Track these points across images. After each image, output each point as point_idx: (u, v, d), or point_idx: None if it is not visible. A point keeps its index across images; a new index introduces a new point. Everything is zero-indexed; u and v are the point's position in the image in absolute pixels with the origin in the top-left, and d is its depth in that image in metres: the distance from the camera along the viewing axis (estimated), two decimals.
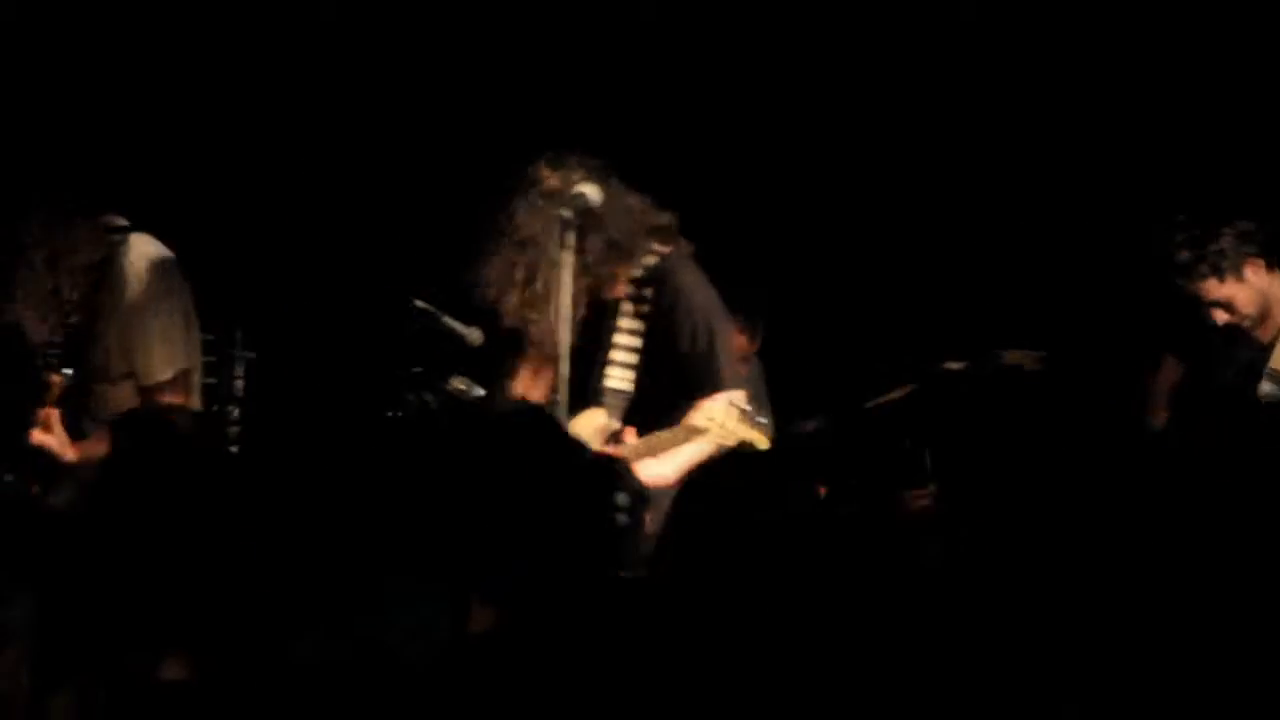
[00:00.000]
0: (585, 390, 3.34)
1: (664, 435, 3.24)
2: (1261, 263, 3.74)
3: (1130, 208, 4.45)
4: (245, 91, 4.61)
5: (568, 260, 3.19)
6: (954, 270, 4.67)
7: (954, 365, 3.95)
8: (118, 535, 2.35)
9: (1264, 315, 3.78)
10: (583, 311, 3.29)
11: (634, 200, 3.37)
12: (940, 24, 4.66)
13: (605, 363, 3.38)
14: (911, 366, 4.01)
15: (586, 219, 3.24)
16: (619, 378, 3.37)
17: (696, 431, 3.17)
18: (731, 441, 3.14)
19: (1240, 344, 3.84)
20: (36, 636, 2.53)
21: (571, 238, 3.20)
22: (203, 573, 2.35)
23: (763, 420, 3.21)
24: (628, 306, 3.40)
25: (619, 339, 3.39)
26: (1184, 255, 3.73)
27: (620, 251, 3.30)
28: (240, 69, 4.61)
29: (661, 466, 3.21)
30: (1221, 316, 3.75)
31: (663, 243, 3.38)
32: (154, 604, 2.37)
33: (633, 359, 3.37)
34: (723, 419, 3.14)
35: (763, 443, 3.17)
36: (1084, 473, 3.58)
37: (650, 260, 3.38)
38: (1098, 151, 4.74)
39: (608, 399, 3.37)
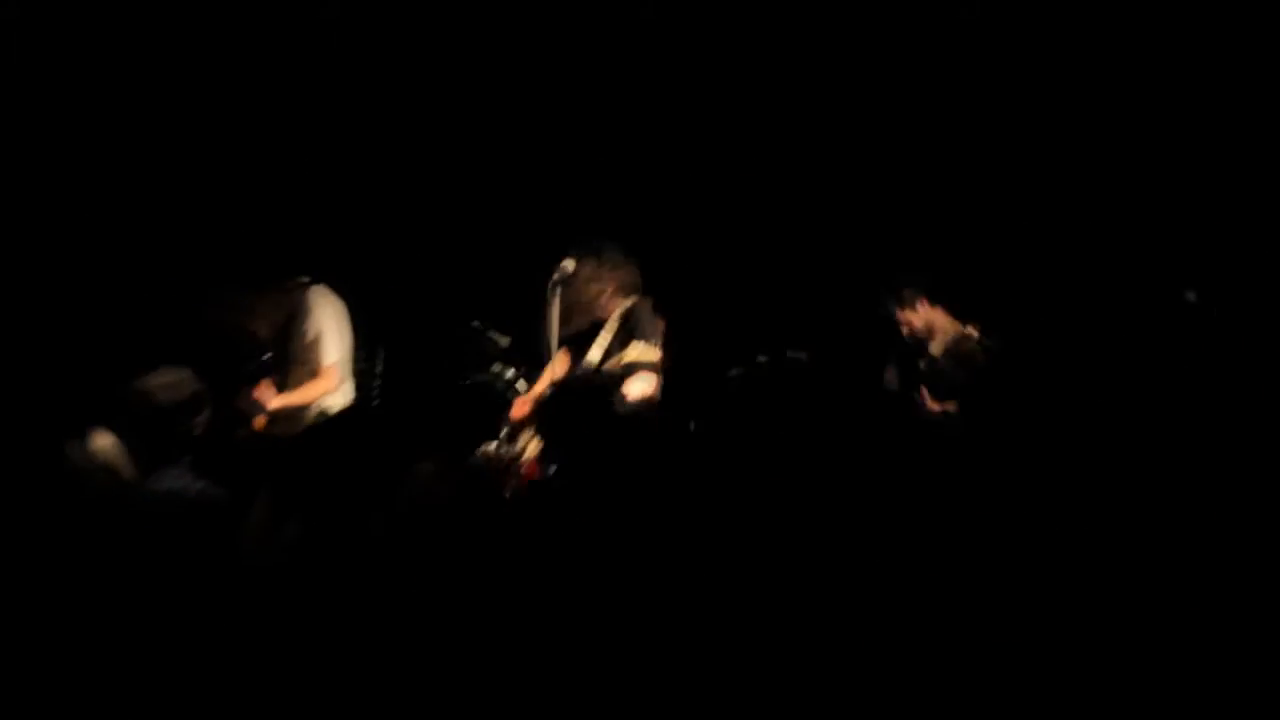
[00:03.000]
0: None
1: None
2: (925, 300, 6.26)
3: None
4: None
5: (555, 303, 5.46)
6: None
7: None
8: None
9: (930, 330, 6.27)
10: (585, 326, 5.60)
11: (606, 271, 5.62)
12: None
13: (590, 349, 5.57)
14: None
15: (569, 280, 5.54)
16: (595, 355, 5.61)
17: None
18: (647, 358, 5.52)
19: (916, 345, 6.29)
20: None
21: (556, 291, 5.47)
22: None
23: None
24: (613, 321, 5.55)
25: (601, 338, 5.56)
26: (889, 298, 6.26)
27: (585, 308, 5.62)
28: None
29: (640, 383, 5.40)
30: (905, 330, 6.30)
31: (630, 294, 5.61)
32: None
33: (605, 343, 5.60)
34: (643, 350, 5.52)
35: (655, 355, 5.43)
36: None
37: (627, 304, 5.56)
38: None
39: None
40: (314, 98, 6.47)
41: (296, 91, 6.45)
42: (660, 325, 5.61)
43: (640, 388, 5.41)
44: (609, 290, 5.57)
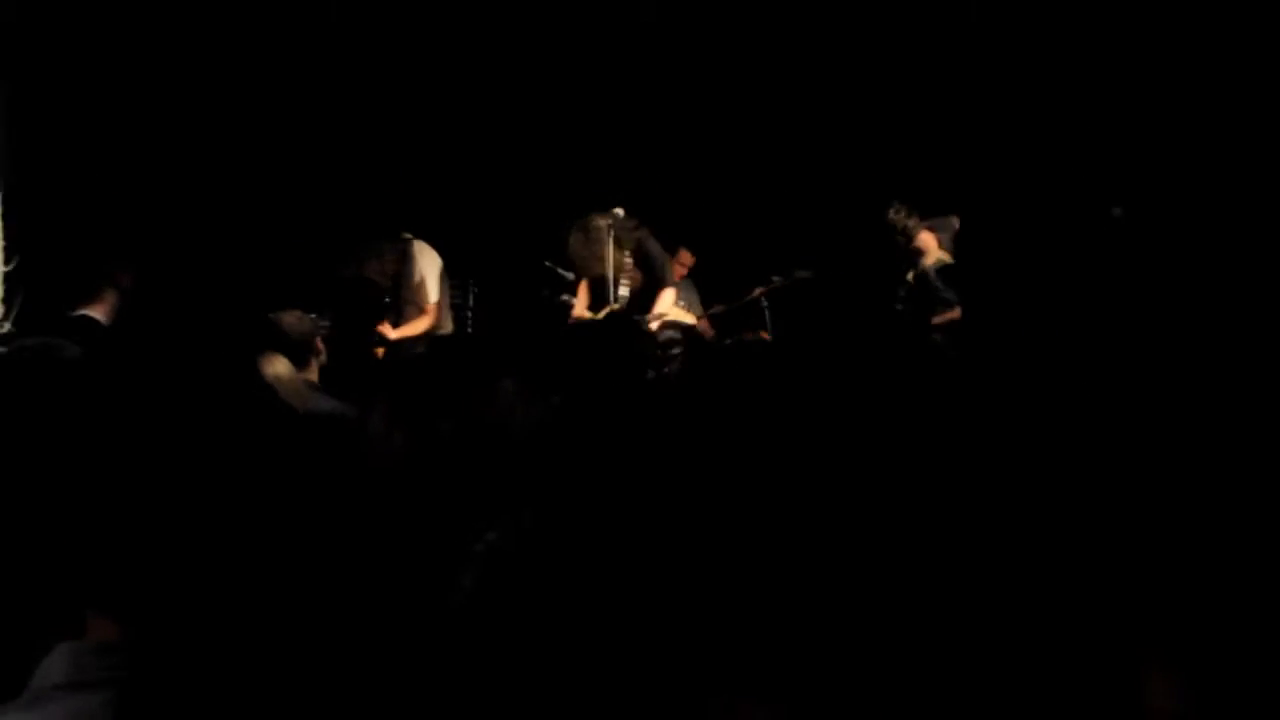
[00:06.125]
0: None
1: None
2: (922, 223, 7.33)
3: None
4: None
5: (609, 242, 6.94)
6: None
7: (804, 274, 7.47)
8: None
9: (924, 248, 7.35)
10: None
11: (630, 221, 7.07)
12: None
13: (618, 283, 7.08)
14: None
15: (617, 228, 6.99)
16: (624, 291, 7.14)
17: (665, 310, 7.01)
18: (675, 317, 7.00)
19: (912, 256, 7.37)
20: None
21: (610, 233, 6.94)
22: None
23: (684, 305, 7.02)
24: (628, 259, 7.10)
25: (625, 277, 7.11)
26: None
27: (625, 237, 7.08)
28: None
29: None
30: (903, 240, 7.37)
31: (638, 230, 7.10)
32: None
33: (629, 280, 7.11)
34: (668, 306, 6.99)
35: (690, 319, 7.02)
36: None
37: (635, 238, 7.09)
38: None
39: (619, 295, 7.11)
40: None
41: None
42: (667, 261, 7.02)
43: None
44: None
